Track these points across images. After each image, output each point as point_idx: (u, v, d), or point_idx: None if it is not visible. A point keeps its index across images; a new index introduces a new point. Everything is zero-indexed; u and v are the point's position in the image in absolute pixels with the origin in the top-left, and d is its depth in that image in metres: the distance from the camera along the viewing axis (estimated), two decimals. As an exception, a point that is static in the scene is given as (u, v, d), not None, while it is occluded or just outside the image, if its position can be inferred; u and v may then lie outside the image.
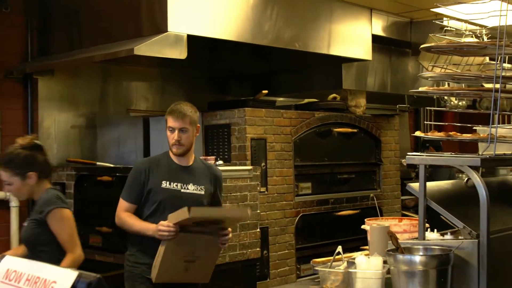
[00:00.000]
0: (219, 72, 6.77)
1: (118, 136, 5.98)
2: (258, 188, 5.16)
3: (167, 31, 4.51)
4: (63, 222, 3.33)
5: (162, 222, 3.36)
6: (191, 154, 3.70)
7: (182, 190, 3.59)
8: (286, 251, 5.62)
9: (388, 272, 2.90)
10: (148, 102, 6.26)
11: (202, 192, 3.64)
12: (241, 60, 6.21)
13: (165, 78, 6.36)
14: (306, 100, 6.43)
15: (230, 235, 3.49)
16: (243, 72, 6.88)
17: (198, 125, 3.69)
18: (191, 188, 3.62)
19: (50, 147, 5.62)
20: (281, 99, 7.02)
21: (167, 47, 4.51)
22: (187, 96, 6.49)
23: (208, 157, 5.08)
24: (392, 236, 2.91)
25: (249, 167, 5.12)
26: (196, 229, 3.32)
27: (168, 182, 3.58)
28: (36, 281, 1.45)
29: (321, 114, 6.01)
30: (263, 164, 5.45)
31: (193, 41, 4.65)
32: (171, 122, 3.62)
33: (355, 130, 6.34)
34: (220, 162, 5.11)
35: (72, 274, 1.35)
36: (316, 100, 6.41)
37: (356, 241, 5.61)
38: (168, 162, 3.66)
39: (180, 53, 4.56)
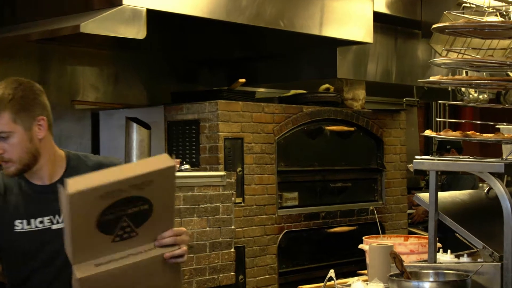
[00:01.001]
0: (186, 56, 6.74)
1: (60, 134, 5.92)
2: (233, 198, 5.15)
3: (122, 4, 4.47)
4: None
5: None
6: (52, 161, 2.70)
7: (55, 227, 2.63)
8: (267, 276, 5.62)
9: (391, 302, 2.90)
10: (98, 92, 6.22)
11: None
12: (213, 42, 6.19)
13: (119, 62, 6.32)
14: (292, 92, 6.43)
15: (185, 236, 2.47)
16: (215, 57, 6.86)
17: (42, 117, 2.64)
18: None
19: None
20: (262, 90, 7.03)
21: (122, 24, 4.47)
22: (146, 85, 6.46)
23: (172, 160, 5.06)
24: (395, 257, 2.90)
25: (222, 173, 5.11)
26: (109, 217, 2.33)
27: (25, 222, 2.64)
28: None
29: (311, 109, 6.01)
30: (239, 169, 5.44)
31: (155, 17, 4.63)
32: None
33: (352, 129, 6.35)
34: (187, 166, 5.10)
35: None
36: (304, 91, 6.41)
37: (352, 264, 5.62)
38: (19, 184, 2.68)
39: (138, 31, 4.53)
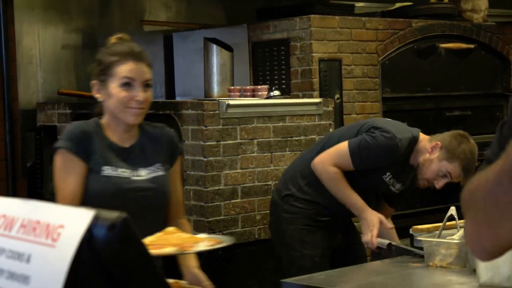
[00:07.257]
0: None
1: (129, 60, 6.02)
2: (331, 129, 5.14)
3: None
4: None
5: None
6: None
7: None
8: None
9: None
10: (171, 11, 6.26)
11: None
12: None
13: (193, -25, 6.35)
14: (398, 4, 6.36)
15: None
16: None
17: None
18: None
19: (33, 75, 5.70)
20: (361, 4, 6.96)
21: None
22: (226, 1, 6.47)
23: (259, 87, 5.08)
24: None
25: (318, 100, 5.11)
26: None
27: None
28: (35, 227, 1.47)
29: (421, 23, 5.94)
30: (337, 96, 5.44)
31: None
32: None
33: (472, 46, 6.25)
34: (276, 93, 5.11)
35: (86, 215, 1.37)
36: (412, 3, 6.33)
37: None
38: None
39: None
